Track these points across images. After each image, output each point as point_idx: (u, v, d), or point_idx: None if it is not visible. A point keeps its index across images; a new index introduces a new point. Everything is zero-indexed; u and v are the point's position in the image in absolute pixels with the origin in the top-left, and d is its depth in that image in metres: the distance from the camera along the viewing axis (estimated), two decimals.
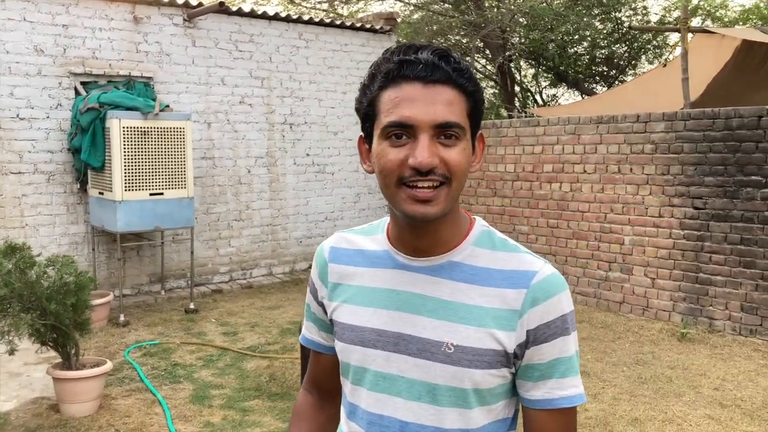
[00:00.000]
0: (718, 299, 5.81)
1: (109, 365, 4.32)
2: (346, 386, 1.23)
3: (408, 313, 1.13)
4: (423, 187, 1.04)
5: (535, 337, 1.09)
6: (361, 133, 1.16)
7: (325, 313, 1.27)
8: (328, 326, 1.29)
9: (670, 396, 4.47)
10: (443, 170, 1.05)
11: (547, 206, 7.12)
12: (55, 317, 4.00)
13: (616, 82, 16.67)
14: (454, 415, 1.11)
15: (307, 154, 8.38)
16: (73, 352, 4.19)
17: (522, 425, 1.17)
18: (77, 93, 6.60)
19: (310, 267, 8.27)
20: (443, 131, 1.05)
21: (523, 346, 1.09)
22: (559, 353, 1.10)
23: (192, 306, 6.56)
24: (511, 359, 1.10)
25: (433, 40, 13.79)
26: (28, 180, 6.41)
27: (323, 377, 1.36)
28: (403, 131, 1.05)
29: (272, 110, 8.02)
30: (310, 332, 1.35)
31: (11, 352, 3.81)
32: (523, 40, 14.66)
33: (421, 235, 1.13)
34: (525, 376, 1.12)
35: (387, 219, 1.23)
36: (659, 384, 4.69)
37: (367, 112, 1.11)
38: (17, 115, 6.31)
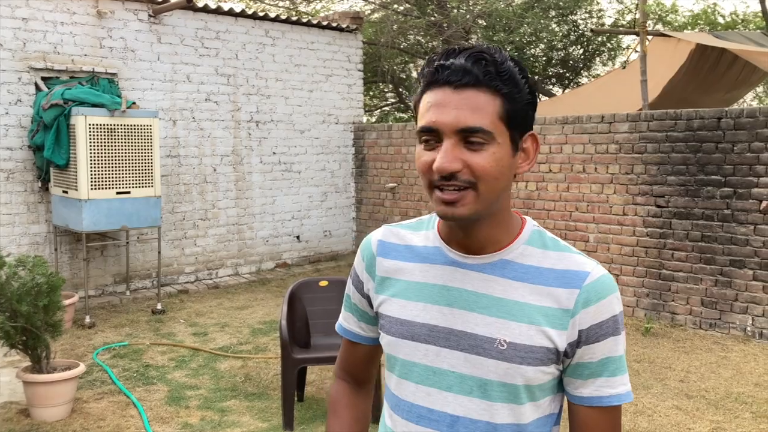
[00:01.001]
0: (679, 294, 6.02)
1: (81, 368, 4.22)
2: (392, 379, 1.24)
3: (460, 309, 1.16)
4: (449, 189, 1.08)
5: (587, 337, 1.11)
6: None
7: (370, 305, 1.29)
8: (370, 318, 1.31)
9: (638, 388, 4.61)
10: (467, 175, 1.07)
11: (513, 204, 7.24)
12: (26, 319, 3.90)
13: (572, 84, 17.05)
14: (506, 411, 1.13)
15: (274, 153, 8.33)
16: (44, 355, 4.08)
17: (567, 421, 1.20)
18: (38, 89, 6.41)
19: (276, 267, 8.26)
20: (468, 136, 1.06)
21: (575, 345, 1.12)
22: (609, 352, 1.12)
23: (159, 306, 6.45)
24: (561, 357, 1.12)
25: (395, 40, 13.86)
26: None
27: (358, 367, 1.39)
28: (431, 136, 1.08)
29: (238, 108, 7.94)
30: (348, 322, 1.37)
31: None
32: (482, 42, 14.86)
33: (468, 234, 1.16)
34: (575, 374, 1.14)
35: (435, 215, 1.24)
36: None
37: (414, 114, 1.16)
38: None
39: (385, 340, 1.24)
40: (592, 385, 1.13)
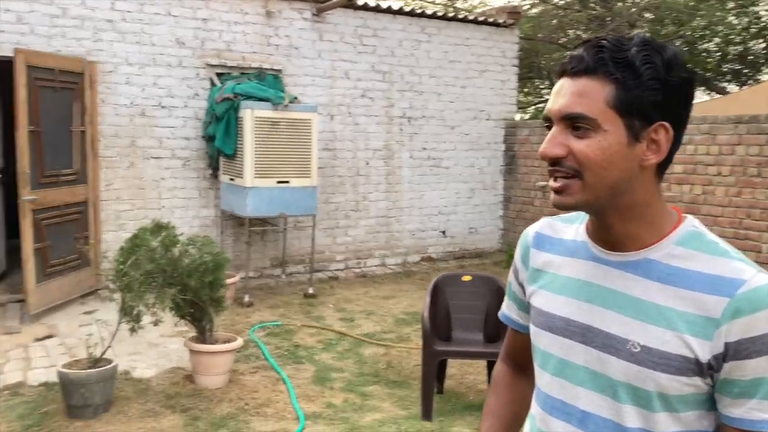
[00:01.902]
0: None
1: (239, 341, 4.55)
2: (535, 369, 1.26)
3: (598, 306, 1.13)
4: (557, 177, 1.08)
5: (736, 351, 1.01)
6: None
7: (524, 293, 1.32)
8: (525, 306, 1.33)
9: None
10: (572, 162, 1.06)
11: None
12: (194, 293, 4.26)
13: (751, 81, 15.60)
14: (635, 415, 1.09)
15: (424, 148, 8.43)
16: (207, 327, 4.45)
17: None
18: (212, 84, 6.98)
19: (421, 260, 8.37)
20: (572, 123, 1.06)
21: (720, 359, 1.02)
22: (764, 372, 1.01)
23: (311, 291, 6.79)
24: (705, 369, 1.04)
25: (553, 35, 13.47)
26: (166, 165, 6.85)
27: (517, 353, 1.41)
28: (548, 124, 1.11)
29: (392, 104, 8.13)
30: (509, 310, 1.41)
31: (156, 323, 4.10)
32: (648, 36, 14.01)
33: (604, 228, 1.14)
34: (724, 391, 1.05)
35: None
36: None
37: None
38: (159, 104, 6.75)
39: (531, 330, 1.27)
40: (743, 406, 1.03)
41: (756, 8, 14.34)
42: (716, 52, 15.22)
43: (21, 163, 5.42)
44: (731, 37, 14.62)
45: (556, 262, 1.23)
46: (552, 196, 1.11)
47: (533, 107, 17.78)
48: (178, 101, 6.84)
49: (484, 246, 9.04)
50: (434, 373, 4.03)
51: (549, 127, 1.10)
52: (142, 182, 6.75)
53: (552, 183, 1.09)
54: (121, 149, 6.61)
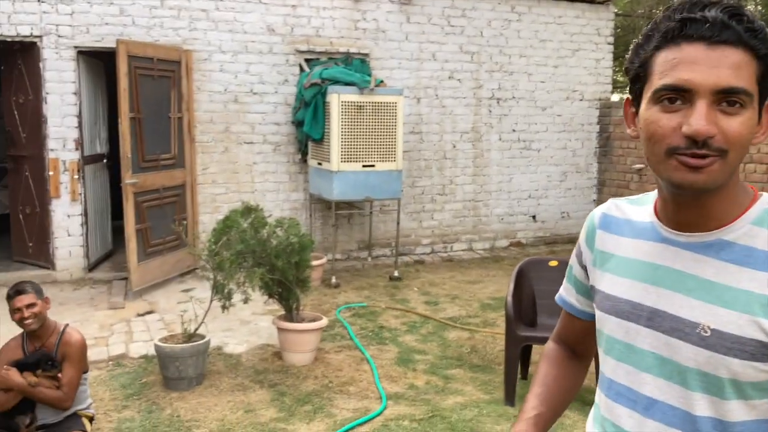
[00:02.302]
0: None
1: (324, 321, 4.66)
2: (600, 354, 1.22)
3: (665, 288, 1.08)
4: (696, 155, 0.97)
5: None
6: (628, 96, 1.11)
7: (587, 277, 1.27)
8: (586, 290, 1.28)
9: None
10: (720, 142, 0.96)
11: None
12: (282, 273, 4.39)
13: None
14: (705, 402, 1.04)
15: (513, 130, 8.27)
16: (294, 306, 4.57)
17: None
18: (301, 69, 7.11)
19: (510, 245, 8.24)
20: (726, 97, 0.96)
21: None
22: None
23: (396, 274, 6.83)
24: None
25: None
26: (258, 149, 7.07)
27: (572, 338, 1.38)
28: (678, 95, 0.98)
29: (480, 85, 8.00)
30: (566, 293, 1.36)
31: (246, 300, 4.26)
32: (759, 6, 13.08)
33: (687, 208, 1.06)
34: None
35: (655, 192, 1.17)
36: None
37: (638, 73, 1.05)
38: (251, 90, 6.96)
39: (597, 314, 1.21)
40: None
41: None
42: None
43: (123, 148, 5.75)
44: None
45: (624, 244, 1.18)
46: (681, 173, 0.99)
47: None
48: (268, 87, 7.02)
49: (576, 231, 8.77)
50: (518, 358, 3.98)
51: (672, 99, 0.99)
52: (236, 166, 6.99)
53: (686, 159, 0.97)
54: (216, 134, 6.87)
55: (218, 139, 6.89)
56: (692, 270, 1.06)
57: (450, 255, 7.94)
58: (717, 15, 0.96)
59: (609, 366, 1.17)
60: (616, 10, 9.16)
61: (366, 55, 7.36)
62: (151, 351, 4.51)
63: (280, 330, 4.57)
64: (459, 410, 3.88)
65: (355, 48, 7.31)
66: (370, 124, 6.48)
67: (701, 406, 1.04)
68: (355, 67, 6.97)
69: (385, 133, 6.54)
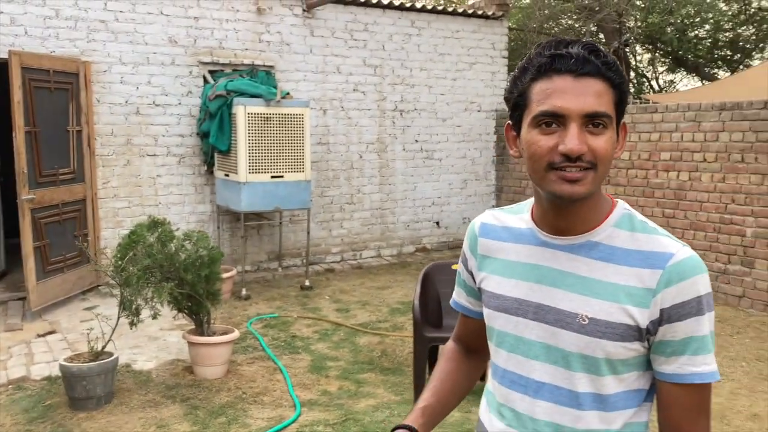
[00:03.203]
0: None
1: (236, 333, 4.68)
2: (491, 348, 1.38)
3: (547, 285, 1.25)
4: (572, 170, 1.14)
5: (669, 316, 1.16)
6: (509, 121, 1.27)
7: (474, 281, 1.42)
8: (475, 293, 1.44)
9: None
10: (590, 157, 1.14)
11: (663, 195, 6.92)
12: (191, 287, 4.38)
13: (741, 67, 15.70)
14: (586, 380, 1.21)
15: (416, 141, 8.54)
16: (205, 319, 4.57)
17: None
18: (205, 81, 7.08)
19: (416, 251, 8.49)
20: (592, 120, 1.14)
21: (657, 323, 1.17)
22: (692, 332, 1.16)
23: (307, 283, 6.91)
24: (644, 334, 1.18)
25: (544, 25, 13.55)
26: (161, 162, 6.96)
27: (469, 337, 1.53)
28: (553, 120, 1.15)
29: (384, 97, 8.23)
30: (459, 297, 1.51)
31: (154, 316, 4.22)
32: (639, 24, 14.10)
33: (563, 216, 1.23)
34: (658, 351, 1.19)
35: (532, 200, 1.34)
36: None
37: (517, 102, 1.21)
38: (153, 102, 6.86)
39: (485, 312, 1.37)
40: (675, 362, 1.18)
41: None
42: (707, 38, 15.31)
43: (19, 163, 5.53)
44: (722, 23, 14.70)
45: (505, 248, 1.34)
46: (562, 186, 1.15)
47: None
48: (172, 99, 6.94)
49: None
50: (426, 359, 4.16)
51: (548, 123, 1.15)
52: (139, 179, 6.86)
53: (564, 173, 1.14)
54: (118, 147, 6.72)
55: (120, 152, 6.74)
56: (569, 268, 1.23)
57: (359, 262, 8.10)
58: (579, 51, 1.15)
59: (502, 357, 1.33)
60: (509, 25, 9.66)
61: (271, 67, 7.41)
62: (55, 372, 4.38)
63: (191, 344, 4.55)
64: (371, 413, 4.02)
65: (260, 60, 7.35)
66: (278, 135, 6.54)
67: (582, 383, 1.22)
68: (260, 80, 7.01)
69: (292, 144, 6.62)
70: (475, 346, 1.53)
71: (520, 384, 1.29)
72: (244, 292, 6.52)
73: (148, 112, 6.83)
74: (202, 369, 4.52)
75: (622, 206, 1.26)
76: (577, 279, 1.22)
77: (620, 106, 1.18)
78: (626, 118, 7.18)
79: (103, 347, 4.17)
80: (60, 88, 6.06)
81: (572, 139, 1.12)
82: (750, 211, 6.15)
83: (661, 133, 6.90)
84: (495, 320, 1.33)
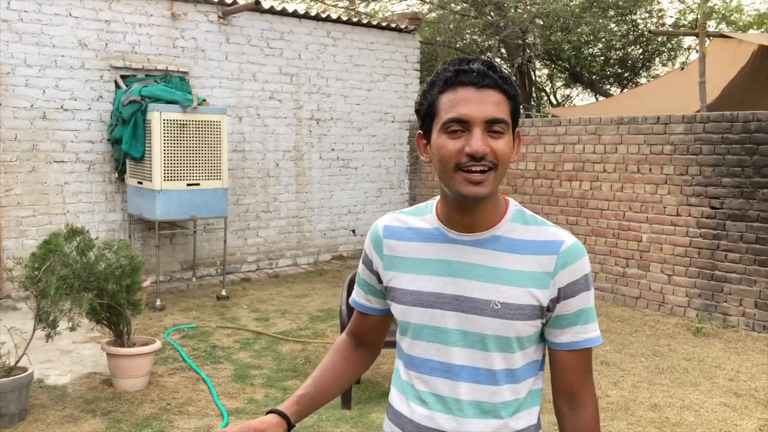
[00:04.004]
0: (732, 296, 6.04)
1: (158, 344, 4.59)
2: (404, 342, 1.48)
3: (460, 278, 1.39)
4: (476, 171, 1.29)
5: (565, 293, 1.36)
6: (420, 131, 1.44)
7: (379, 281, 1.51)
8: (377, 292, 1.54)
9: (686, 385, 4.70)
10: (492, 157, 1.30)
11: (566, 204, 7.35)
12: (111, 297, 4.27)
13: (630, 84, 16.86)
14: (500, 358, 1.38)
15: (332, 149, 8.64)
16: (125, 330, 4.45)
17: (549, 365, 1.46)
18: (117, 86, 6.87)
19: (333, 259, 8.58)
20: (492, 126, 1.30)
21: (555, 301, 1.36)
22: (583, 305, 1.38)
23: (224, 293, 6.83)
24: (544, 312, 1.37)
25: (451, 40, 14.01)
26: (70, 168, 6.69)
27: (363, 332, 1.63)
28: (459, 126, 1.30)
29: (300, 106, 8.28)
30: (358, 296, 1.61)
31: (73, 328, 4.08)
32: (539, 41, 14.87)
33: (468, 214, 1.38)
34: (555, 325, 1.39)
35: (433, 202, 1.48)
36: (676, 374, 4.92)
37: (427, 112, 1.37)
38: (61, 107, 6.59)
39: (397, 309, 1.46)
40: (570, 332, 1.39)
41: (634, 16, 15.53)
42: (600, 56, 16.34)
43: None
44: (613, 42, 15.74)
45: (413, 247, 1.45)
46: (468, 187, 1.30)
47: None
48: (81, 104, 6.69)
49: None
50: None
51: (456, 130, 1.30)
52: (45, 187, 6.56)
53: (470, 176, 1.29)
54: (22, 153, 6.40)
55: (24, 158, 6.42)
56: (478, 261, 1.38)
57: (276, 271, 8.08)
58: (480, 67, 1.33)
59: (420, 348, 1.43)
60: (420, 39, 9.95)
61: (185, 73, 7.29)
62: None
63: (110, 356, 4.42)
64: None
65: (174, 66, 7.22)
66: (194, 142, 6.45)
67: (497, 361, 1.37)
68: (174, 85, 6.88)
69: (209, 152, 6.54)
70: (367, 340, 1.63)
71: (442, 370, 1.40)
72: (158, 302, 6.37)
73: (55, 116, 6.56)
74: (122, 381, 4.40)
75: (513, 204, 1.44)
76: (486, 270, 1.37)
77: (515, 115, 1.35)
78: (532, 131, 7.66)
79: (17, 362, 3.98)
80: None
81: (477, 141, 1.28)
82: (645, 218, 6.65)
83: (564, 145, 7.34)
84: (410, 315, 1.43)
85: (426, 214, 1.47)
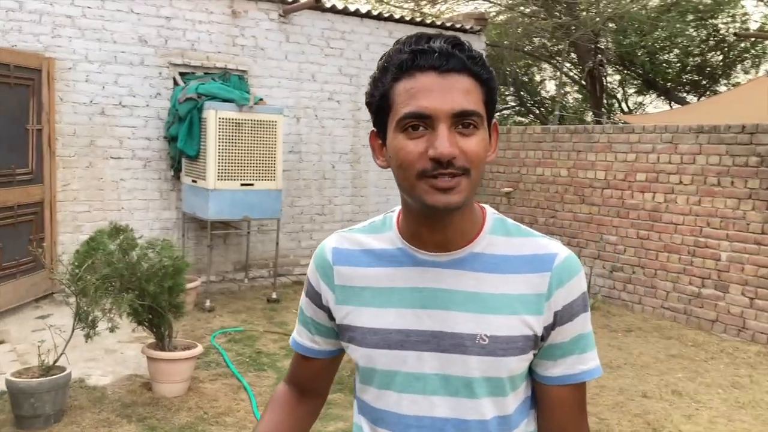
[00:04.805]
0: None
1: (199, 349, 4.43)
2: (369, 393, 1.17)
3: (435, 309, 1.10)
4: (444, 177, 1.01)
5: (561, 317, 1.09)
6: (373, 128, 1.13)
7: (331, 318, 1.21)
8: (327, 330, 1.24)
9: None
10: (463, 161, 1.01)
11: (638, 216, 6.87)
12: (153, 298, 4.13)
13: (708, 92, 15.99)
14: (491, 405, 1.10)
15: None
16: (166, 333, 4.31)
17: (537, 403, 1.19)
18: (175, 83, 6.83)
19: None
20: (461, 120, 1.01)
21: (550, 328, 1.10)
22: (580, 329, 1.12)
23: (274, 296, 6.68)
24: (538, 342, 1.10)
25: (519, 43, 13.60)
26: (126, 165, 6.67)
27: (308, 379, 1.32)
28: (420, 122, 1.01)
29: (359, 107, 8.07)
30: (300, 336, 1.29)
31: (112, 329, 3.96)
32: (611, 45, 14.24)
33: (439, 229, 1.09)
34: (546, 356, 1.12)
35: (392, 215, 1.19)
36: (759, 410, 4.44)
37: (380, 104, 1.07)
38: (120, 103, 6.58)
39: (358, 353, 1.15)
40: (563, 363, 1.12)
41: (715, 21, 14.70)
42: (676, 62, 15.55)
43: None
44: (690, 48, 14.95)
45: (372, 275, 1.14)
46: (435, 196, 1.01)
47: (498, 113, 17.91)
48: (139, 100, 6.67)
49: None
50: None
51: (416, 127, 1.01)
52: (101, 183, 6.56)
53: (437, 182, 1.01)
54: (80, 149, 6.41)
55: (82, 154, 6.43)
56: (456, 286, 1.09)
57: None
58: (442, 45, 1.02)
59: (390, 400, 1.13)
60: (486, 41, 9.61)
61: (244, 72, 7.20)
62: (2, 387, 4.08)
63: (151, 359, 4.29)
64: None
65: (233, 64, 7.13)
66: (249, 142, 6.32)
67: (488, 409, 1.10)
68: (233, 84, 6.78)
69: (264, 152, 6.40)
70: (313, 388, 1.33)
71: (420, 426, 1.11)
72: (208, 303, 6.26)
73: (113, 112, 6.55)
74: (161, 386, 4.26)
75: (491, 211, 1.16)
76: (467, 296, 1.09)
77: (490, 104, 1.06)
78: (602, 138, 7.21)
79: (55, 361, 3.89)
80: (20, 84, 5.75)
81: (442, 142, 0.99)
82: (725, 235, 6.12)
83: (637, 153, 6.87)
84: (376, 360, 1.13)
85: (385, 231, 1.17)
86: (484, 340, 1.07)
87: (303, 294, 1.27)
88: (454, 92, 1.00)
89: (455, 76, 1.01)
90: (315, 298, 1.22)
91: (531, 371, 1.15)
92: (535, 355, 1.11)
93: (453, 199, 1.01)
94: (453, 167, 1.00)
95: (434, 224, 1.09)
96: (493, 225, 1.13)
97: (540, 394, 1.15)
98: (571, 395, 1.13)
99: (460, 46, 1.03)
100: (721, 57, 15.57)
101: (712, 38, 14.95)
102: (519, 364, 1.09)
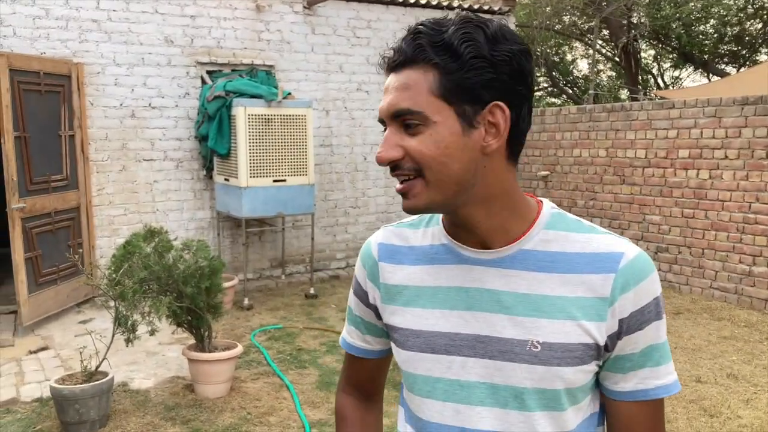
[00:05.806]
0: None
1: (240, 349, 4.39)
2: (413, 400, 1.09)
3: (482, 312, 1.01)
4: (400, 181, 0.98)
5: (629, 326, 0.98)
6: None
7: (378, 317, 1.15)
8: (377, 330, 1.19)
9: None
10: (410, 162, 0.95)
11: (682, 194, 6.63)
12: (191, 300, 4.10)
13: (748, 62, 15.45)
14: (546, 420, 1.00)
15: None
16: (206, 334, 4.28)
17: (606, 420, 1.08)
18: (203, 82, 6.80)
19: None
20: (403, 120, 0.95)
21: (615, 337, 0.98)
22: (653, 340, 1.00)
23: (312, 291, 6.63)
24: (602, 352, 0.99)
25: (548, 22, 13.29)
26: (158, 167, 6.68)
27: (366, 380, 1.27)
28: (383, 125, 1.00)
29: None
30: (351, 337, 1.24)
31: (152, 332, 3.94)
32: (644, 19, 13.83)
33: (468, 228, 1.02)
34: (615, 368, 1.01)
35: None
36: None
37: None
38: (149, 104, 6.58)
39: (401, 356, 1.09)
40: (635, 377, 1.01)
41: None
42: (713, 33, 15.05)
43: (8, 170, 5.25)
44: (728, 18, 14.44)
45: (416, 273, 1.08)
46: (402, 201, 0.99)
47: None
48: (168, 101, 6.66)
49: None
50: None
51: (385, 128, 0.99)
52: (135, 185, 6.57)
53: (396, 186, 0.98)
54: (112, 152, 6.44)
55: (115, 157, 6.46)
56: (504, 287, 1.01)
57: None
58: (398, 42, 0.97)
59: (434, 410, 1.05)
60: (515, 21, 9.39)
61: (271, 66, 7.13)
62: (47, 393, 4.10)
63: (191, 361, 4.27)
64: None
65: (260, 60, 7.07)
66: (280, 137, 6.26)
67: (543, 424, 1.00)
68: (260, 80, 6.73)
69: (295, 147, 6.34)
70: (372, 390, 1.28)
71: None
72: (246, 301, 6.24)
73: (143, 114, 6.55)
74: (203, 387, 4.24)
75: (549, 206, 1.06)
76: (517, 298, 1.00)
77: (454, 90, 0.93)
78: (641, 115, 6.96)
79: (98, 366, 3.88)
80: (51, 91, 5.78)
81: (381, 146, 0.98)
82: None
83: (679, 129, 6.62)
84: (418, 364, 1.06)
85: (431, 225, 1.10)
86: (536, 347, 0.98)
87: (351, 292, 1.22)
88: (393, 91, 0.96)
89: (405, 72, 0.95)
90: (362, 296, 1.17)
91: (599, 384, 1.05)
92: (600, 366, 1.01)
93: (410, 203, 0.97)
94: (400, 169, 0.96)
95: (457, 222, 1.02)
96: (550, 220, 1.03)
97: (609, 411, 1.05)
98: (645, 413, 1.02)
99: (414, 36, 0.95)
100: (760, 25, 15.01)
101: (750, 5, 14.42)
102: (577, 375, 0.98)
